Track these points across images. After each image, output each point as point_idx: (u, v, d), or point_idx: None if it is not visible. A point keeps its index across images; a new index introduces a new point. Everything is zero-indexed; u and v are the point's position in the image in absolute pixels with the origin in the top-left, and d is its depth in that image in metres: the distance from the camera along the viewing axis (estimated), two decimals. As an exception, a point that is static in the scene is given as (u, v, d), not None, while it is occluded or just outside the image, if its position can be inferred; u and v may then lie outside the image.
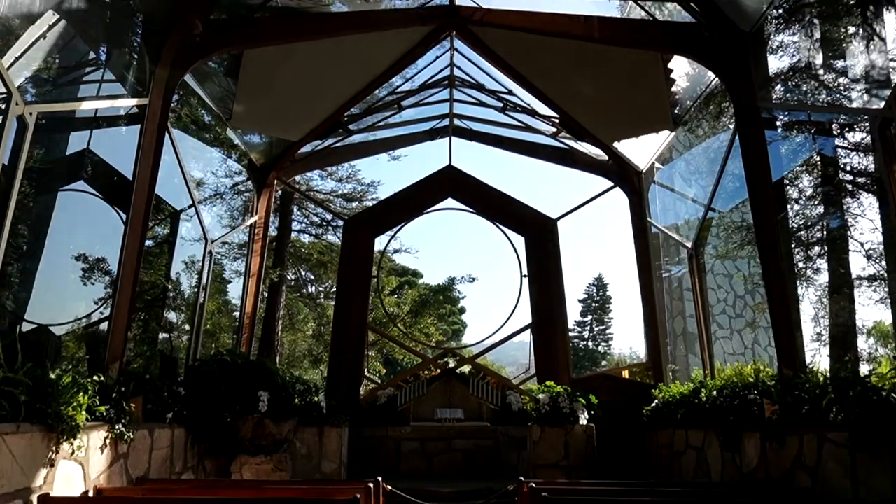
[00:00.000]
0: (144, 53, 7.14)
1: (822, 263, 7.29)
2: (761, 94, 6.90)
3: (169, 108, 7.39)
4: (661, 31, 8.06)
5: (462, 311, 29.30)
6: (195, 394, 7.39)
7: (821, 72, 6.81)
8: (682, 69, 8.49)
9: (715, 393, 6.74)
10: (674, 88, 8.81)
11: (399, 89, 12.08)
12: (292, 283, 16.30)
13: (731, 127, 7.73)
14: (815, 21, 6.50)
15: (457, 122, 13.72)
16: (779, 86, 7.10)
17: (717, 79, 7.84)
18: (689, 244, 9.16)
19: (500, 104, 12.34)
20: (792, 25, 6.69)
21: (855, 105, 6.45)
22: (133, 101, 6.94)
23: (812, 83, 6.77)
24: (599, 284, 39.43)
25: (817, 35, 6.57)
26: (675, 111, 9.14)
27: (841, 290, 7.01)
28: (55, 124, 6.32)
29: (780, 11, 6.60)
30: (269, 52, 8.63)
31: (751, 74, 6.97)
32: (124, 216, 6.67)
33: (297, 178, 14.18)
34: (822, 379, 5.27)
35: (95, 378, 5.13)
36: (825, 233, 7.25)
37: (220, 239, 10.02)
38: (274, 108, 9.90)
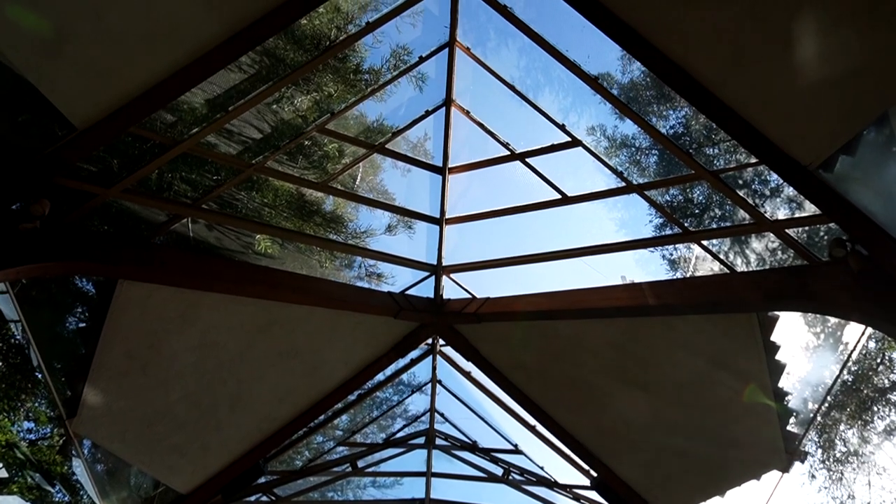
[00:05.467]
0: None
1: None
2: None
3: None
4: (753, 279, 5.37)
5: None
6: None
7: None
8: (797, 340, 5.46)
9: None
10: (783, 382, 5.59)
11: (358, 432, 8.61)
12: None
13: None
14: None
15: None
16: None
17: (861, 338, 4.85)
18: None
19: (502, 470, 8.74)
20: None
21: None
22: None
23: None
24: None
25: None
26: (789, 428, 5.71)
27: None
28: None
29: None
30: (159, 304, 5.62)
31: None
32: None
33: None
34: None
35: None
36: None
37: None
38: (153, 414, 6.28)
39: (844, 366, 5.11)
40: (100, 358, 5.57)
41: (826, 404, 5.31)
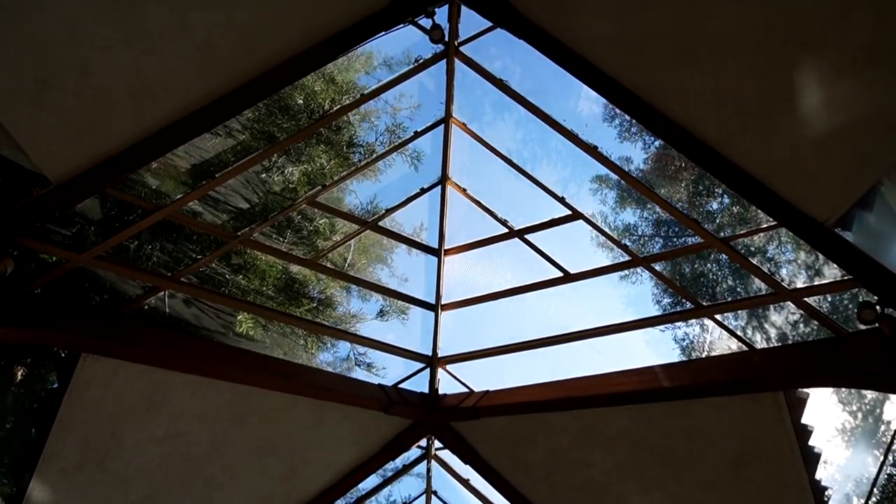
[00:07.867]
0: None
1: None
2: None
3: None
4: (776, 355, 4.92)
5: None
6: None
7: None
8: (831, 422, 4.88)
9: None
10: (821, 474, 4.93)
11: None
12: None
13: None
14: None
15: None
16: None
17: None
18: None
19: None
20: None
21: None
22: None
23: None
24: None
25: None
26: (833, 531, 4.98)
27: None
28: None
29: None
30: (125, 385, 5.08)
31: None
32: None
33: None
34: None
35: None
36: None
37: None
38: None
39: (889, 450, 4.51)
40: (52, 446, 4.94)
41: (874, 499, 4.63)
